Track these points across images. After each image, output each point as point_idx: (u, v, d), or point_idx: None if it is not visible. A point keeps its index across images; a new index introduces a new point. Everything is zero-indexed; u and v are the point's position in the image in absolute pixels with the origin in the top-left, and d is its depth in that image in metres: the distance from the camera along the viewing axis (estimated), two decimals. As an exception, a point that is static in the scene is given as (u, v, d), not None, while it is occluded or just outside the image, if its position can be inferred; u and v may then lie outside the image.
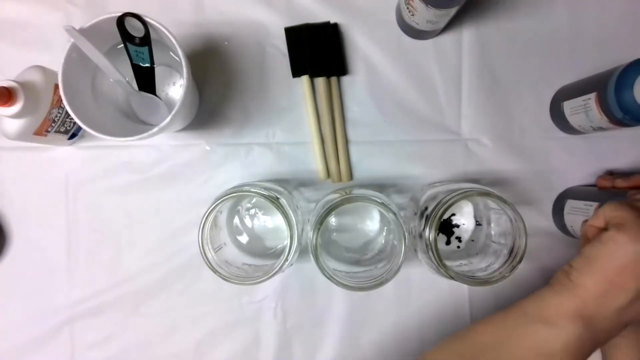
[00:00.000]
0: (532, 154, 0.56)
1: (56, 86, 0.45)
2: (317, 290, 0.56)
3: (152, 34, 0.45)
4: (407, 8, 0.50)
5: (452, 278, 0.43)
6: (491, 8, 0.56)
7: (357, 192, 0.48)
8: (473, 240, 0.54)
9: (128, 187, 0.56)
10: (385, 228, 0.54)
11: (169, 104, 0.51)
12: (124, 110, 0.52)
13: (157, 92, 0.49)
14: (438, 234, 0.54)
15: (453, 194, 0.43)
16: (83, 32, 0.42)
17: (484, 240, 0.53)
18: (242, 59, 0.56)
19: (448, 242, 0.55)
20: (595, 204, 0.48)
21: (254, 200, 0.55)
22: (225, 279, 0.45)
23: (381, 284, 0.44)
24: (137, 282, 0.56)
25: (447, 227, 0.55)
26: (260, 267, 0.51)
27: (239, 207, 0.55)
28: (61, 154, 0.57)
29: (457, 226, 0.55)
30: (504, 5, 0.56)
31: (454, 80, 0.56)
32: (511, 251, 0.44)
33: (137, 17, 0.43)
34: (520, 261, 0.43)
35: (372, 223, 0.55)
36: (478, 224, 0.54)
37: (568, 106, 0.52)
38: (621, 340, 0.42)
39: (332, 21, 0.56)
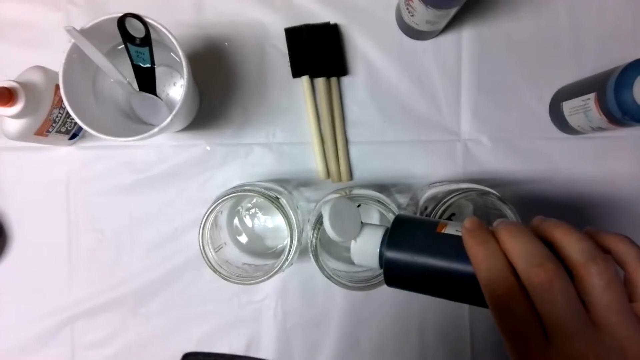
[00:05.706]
0: (532, 154, 0.56)
1: (57, 86, 0.46)
2: (317, 290, 0.56)
3: (153, 35, 0.45)
4: (407, 8, 0.50)
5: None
6: (491, 8, 0.56)
7: (357, 192, 0.48)
8: (473, 240, 0.54)
9: (128, 187, 0.56)
10: (385, 228, 0.54)
11: (170, 104, 0.51)
12: (125, 111, 0.52)
13: (158, 92, 0.49)
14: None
15: (453, 194, 0.43)
16: (84, 32, 0.42)
17: (483, 240, 0.53)
18: (243, 60, 0.56)
19: (448, 242, 0.55)
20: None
21: (254, 200, 0.55)
22: (225, 278, 0.45)
23: (381, 284, 0.44)
24: (137, 282, 0.56)
25: (447, 227, 0.55)
26: (261, 267, 0.51)
27: (239, 207, 0.55)
28: (62, 154, 0.57)
29: (457, 226, 0.55)
30: (504, 5, 0.56)
31: (453, 80, 0.56)
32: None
33: (137, 17, 0.43)
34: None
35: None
36: (478, 224, 0.54)
37: (567, 106, 0.52)
38: None
39: (332, 21, 0.56)
